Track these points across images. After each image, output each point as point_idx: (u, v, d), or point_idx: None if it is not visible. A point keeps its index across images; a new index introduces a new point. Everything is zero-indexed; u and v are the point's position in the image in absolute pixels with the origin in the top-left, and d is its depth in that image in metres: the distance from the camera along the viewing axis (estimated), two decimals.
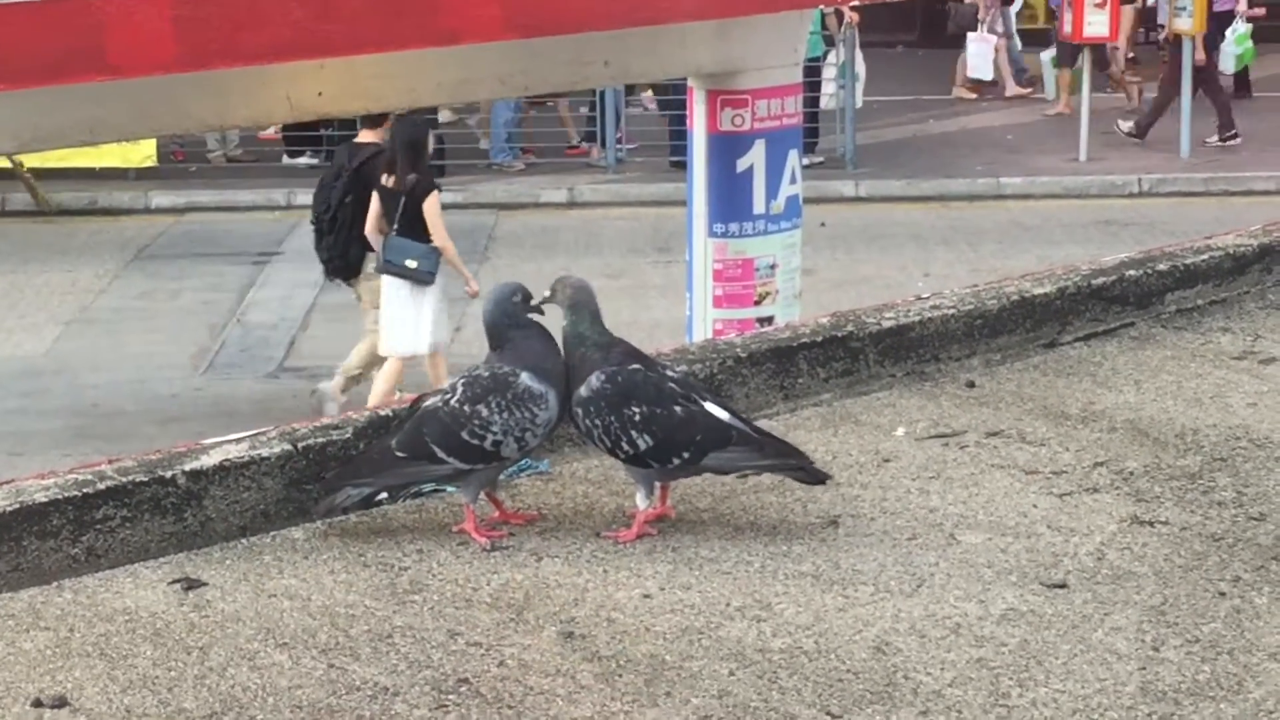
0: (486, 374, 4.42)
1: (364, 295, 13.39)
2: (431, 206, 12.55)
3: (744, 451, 4.40)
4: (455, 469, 4.38)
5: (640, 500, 4.43)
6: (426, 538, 4.41)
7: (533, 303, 4.47)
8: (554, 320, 4.50)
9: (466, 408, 4.37)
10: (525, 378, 4.37)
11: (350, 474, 4.44)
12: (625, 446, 4.36)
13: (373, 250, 12.84)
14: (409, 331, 12.72)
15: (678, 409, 4.37)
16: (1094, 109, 21.92)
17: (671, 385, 4.42)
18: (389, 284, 12.70)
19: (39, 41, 7.55)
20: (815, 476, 4.48)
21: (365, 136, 13.36)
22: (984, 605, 4.03)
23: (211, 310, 16.89)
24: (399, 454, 4.40)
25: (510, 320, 4.45)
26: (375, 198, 12.71)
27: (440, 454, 4.37)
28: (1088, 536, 4.38)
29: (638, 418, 4.34)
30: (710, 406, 4.42)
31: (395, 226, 12.54)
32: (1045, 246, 18.30)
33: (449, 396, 4.41)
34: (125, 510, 4.31)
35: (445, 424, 4.37)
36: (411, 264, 12.54)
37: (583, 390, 4.37)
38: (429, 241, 12.54)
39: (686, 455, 4.37)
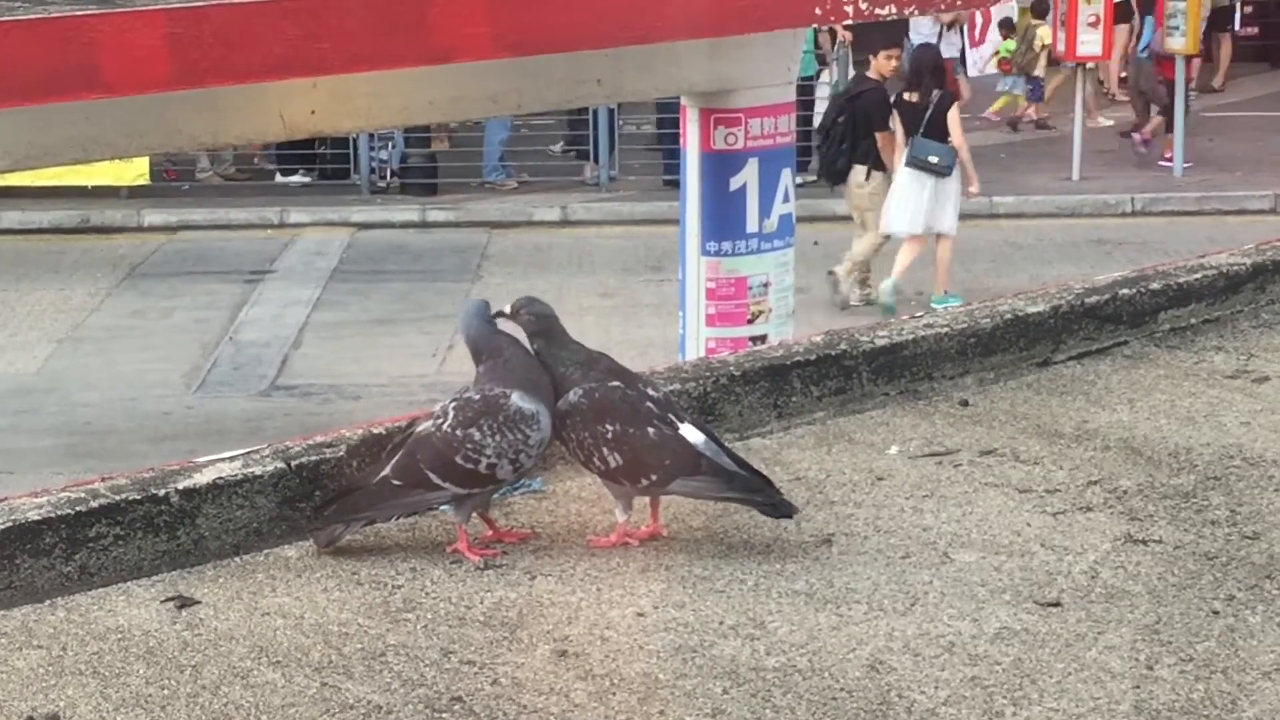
0: (477, 396, 4.41)
1: (851, 199, 17.10)
2: (954, 114, 16.58)
3: (711, 482, 4.39)
4: (453, 494, 4.38)
5: (618, 514, 4.45)
6: (420, 556, 4.41)
7: (494, 311, 4.48)
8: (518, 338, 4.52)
9: (459, 432, 4.36)
10: (516, 398, 4.37)
11: (350, 508, 4.42)
12: (597, 462, 4.38)
13: (859, 164, 16.76)
14: (907, 215, 16.43)
15: (651, 431, 4.37)
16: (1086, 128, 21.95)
17: (649, 405, 4.42)
18: (911, 176, 16.42)
19: (31, 59, 7.55)
20: (781, 510, 4.42)
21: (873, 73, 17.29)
22: (978, 624, 4.03)
23: (204, 328, 16.91)
24: (395, 483, 4.39)
25: (487, 332, 4.45)
26: (895, 115, 16.70)
27: (436, 480, 4.36)
28: (1081, 555, 4.38)
29: (610, 436, 4.36)
30: (686, 430, 4.41)
31: (921, 131, 16.35)
32: (1038, 265, 18.34)
33: (441, 421, 4.40)
34: (118, 528, 4.30)
35: (438, 449, 4.36)
36: (933, 159, 16.30)
37: (561, 404, 4.40)
38: (947, 143, 16.40)
39: (654, 478, 4.38)
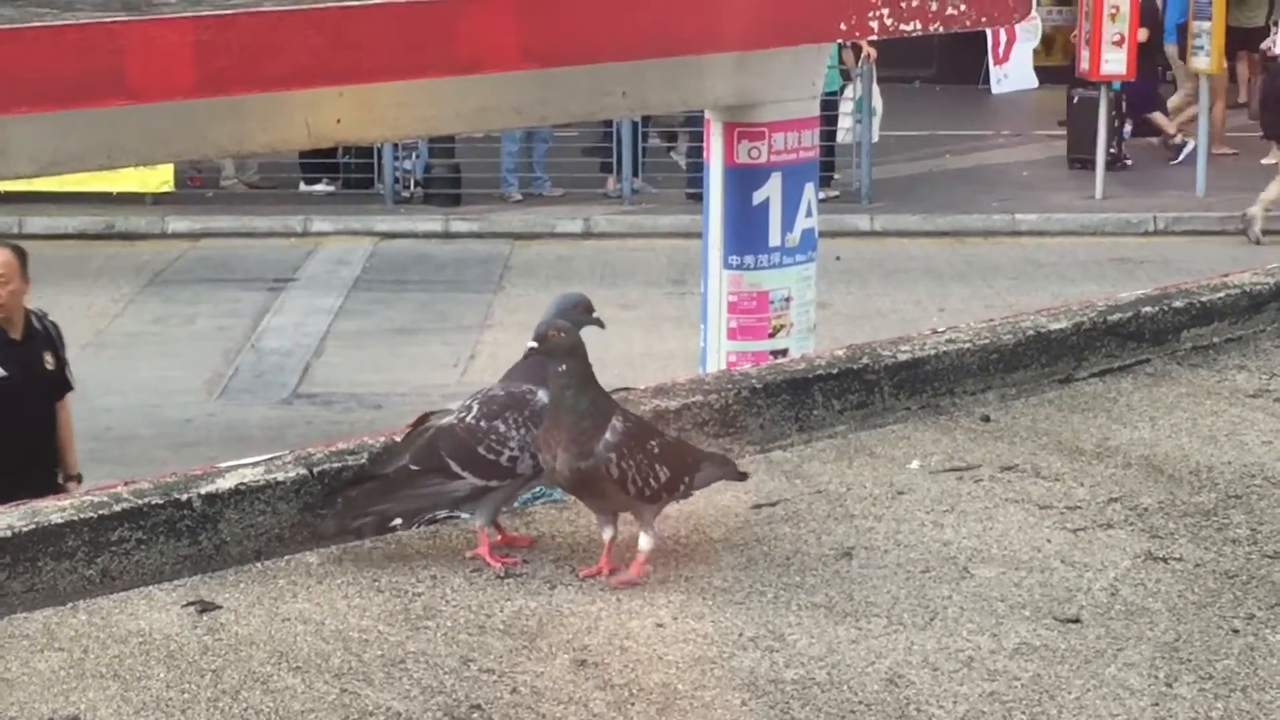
0: (502, 392, 4.44)
1: None
2: None
3: (714, 468, 4.45)
4: (471, 486, 4.37)
5: (644, 542, 4.32)
6: (440, 563, 4.42)
7: (594, 315, 4.48)
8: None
9: (483, 423, 4.38)
10: (542, 395, 4.38)
11: (365, 496, 4.42)
12: (652, 483, 4.28)
13: None
14: None
15: (669, 433, 4.42)
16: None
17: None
18: None
19: (59, 65, 7.57)
20: (740, 475, 4.56)
21: None
22: (997, 639, 4.03)
23: (226, 336, 16.93)
24: (413, 467, 4.39)
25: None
26: None
27: (455, 468, 4.36)
28: (1101, 572, 4.38)
29: (657, 450, 4.32)
30: None
31: None
32: (1060, 283, 18.32)
33: (464, 414, 4.42)
34: (140, 533, 4.31)
35: (461, 439, 4.38)
36: None
37: (609, 436, 4.24)
38: None
39: (688, 479, 4.37)
